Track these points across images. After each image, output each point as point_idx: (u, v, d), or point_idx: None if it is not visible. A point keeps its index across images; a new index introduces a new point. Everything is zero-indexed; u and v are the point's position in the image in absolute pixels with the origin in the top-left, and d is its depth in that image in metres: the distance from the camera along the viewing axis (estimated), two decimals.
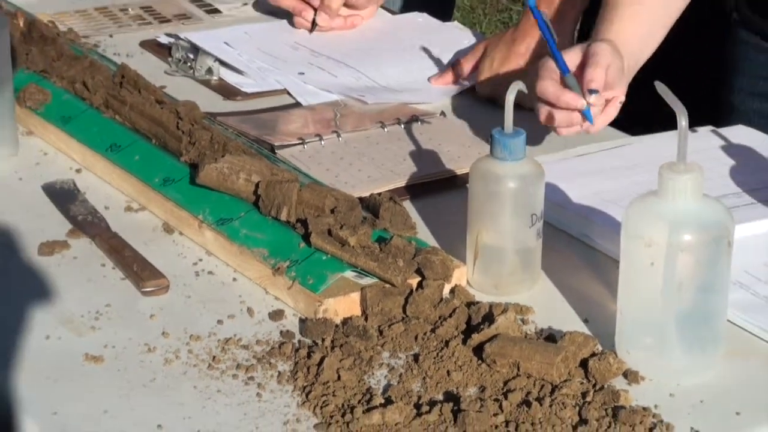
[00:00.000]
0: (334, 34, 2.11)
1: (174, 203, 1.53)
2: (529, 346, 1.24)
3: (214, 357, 1.28)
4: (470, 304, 1.33)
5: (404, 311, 1.32)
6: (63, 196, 1.58)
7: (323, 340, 1.28)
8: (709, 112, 1.83)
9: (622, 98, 1.61)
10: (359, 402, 1.19)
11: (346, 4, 2.12)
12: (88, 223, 1.52)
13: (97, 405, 1.21)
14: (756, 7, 1.82)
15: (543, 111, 1.57)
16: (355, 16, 2.14)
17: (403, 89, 1.91)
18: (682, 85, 1.75)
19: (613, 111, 1.59)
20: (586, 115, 1.53)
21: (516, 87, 1.39)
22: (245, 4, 2.22)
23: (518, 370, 1.23)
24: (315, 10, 2.09)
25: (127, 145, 1.64)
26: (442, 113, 1.82)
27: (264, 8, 2.17)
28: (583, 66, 1.55)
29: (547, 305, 1.38)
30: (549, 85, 1.54)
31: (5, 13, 1.70)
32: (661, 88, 1.29)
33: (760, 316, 1.33)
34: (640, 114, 1.64)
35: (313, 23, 2.10)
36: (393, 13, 2.27)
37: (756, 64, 1.81)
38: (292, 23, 2.13)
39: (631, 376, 1.24)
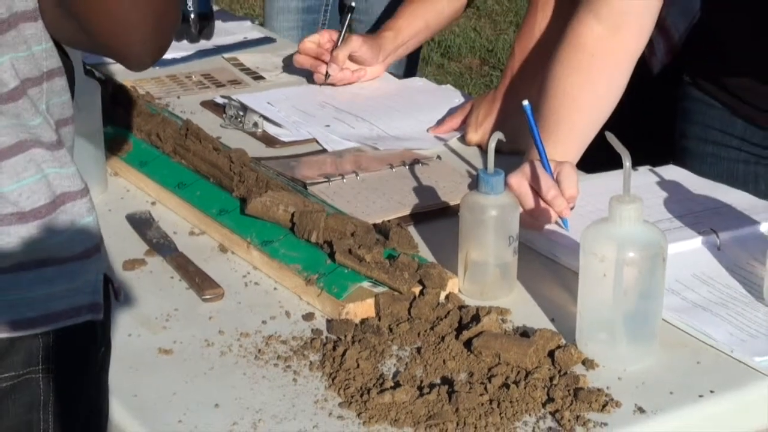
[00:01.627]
0: (353, 94, 2.10)
1: (228, 229, 1.53)
2: (507, 340, 1.25)
3: (259, 350, 1.29)
4: (461, 307, 1.34)
5: (409, 313, 1.33)
6: (141, 223, 1.59)
7: (345, 336, 1.29)
8: (670, 155, 1.82)
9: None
10: (374, 385, 1.20)
11: (353, 60, 2.11)
12: (160, 245, 1.53)
13: (168, 388, 1.22)
14: (701, 73, 1.82)
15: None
16: (361, 70, 2.14)
17: (408, 138, 1.90)
18: (646, 133, 1.76)
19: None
20: (564, 224, 1.53)
21: (496, 137, 1.40)
22: (282, 72, 2.22)
23: (499, 359, 1.24)
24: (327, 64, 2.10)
25: (191, 183, 1.65)
26: (438, 157, 1.82)
27: (296, 73, 2.17)
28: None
29: (522, 308, 1.38)
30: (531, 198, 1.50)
31: (97, 80, 1.71)
32: (610, 136, 1.29)
33: (687, 316, 1.34)
34: (594, 157, 1.64)
35: (326, 74, 2.09)
36: (398, 77, 2.27)
37: (706, 116, 1.79)
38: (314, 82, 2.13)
39: (588, 363, 1.25)
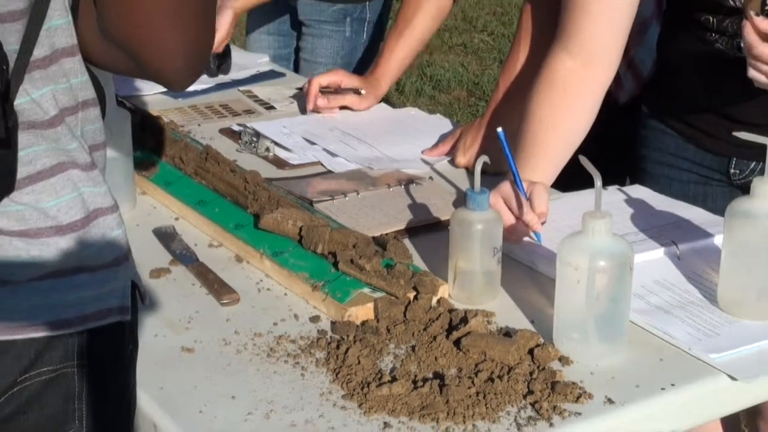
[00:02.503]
0: (356, 120, 2.09)
1: (243, 241, 1.53)
2: (492, 339, 1.26)
3: (271, 348, 1.29)
4: (451, 310, 1.34)
5: (405, 316, 1.33)
6: (166, 236, 1.59)
7: (348, 336, 1.29)
8: (631, 176, 1.82)
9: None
10: (373, 379, 1.20)
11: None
12: (183, 255, 1.53)
13: (190, 382, 1.22)
14: (659, 105, 1.82)
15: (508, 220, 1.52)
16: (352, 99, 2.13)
17: (403, 160, 1.90)
18: (611, 157, 1.76)
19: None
20: (537, 237, 1.52)
21: (482, 160, 1.40)
22: (291, 103, 2.21)
23: (485, 356, 1.24)
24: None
25: (210, 201, 1.65)
26: (430, 177, 1.82)
27: (303, 104, 2.16)
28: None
29: (505, 311, 1.38)
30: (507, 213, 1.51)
31: (128, 109, 1.72)
32: (583, 160, 1.30)
33: (651, 318, 1.34)
34: (569, 177, 1.64)
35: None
36: (394, 107, 2.27)
37: (662, 142, 1.78)
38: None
39: (563, 360, 1.26)
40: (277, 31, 2.89)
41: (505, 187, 1.53)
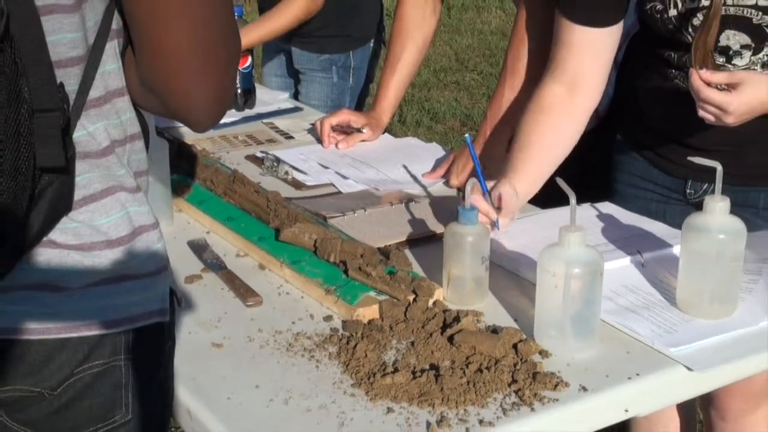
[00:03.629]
0: (364, 149, 2.09)
1: (265, 252, 1.53)
2: (481, 336, 1.26)
3: (289, 344, 1.29)
4: (445, 311, 1.34)
5: (405, 315, 1.33)
6: (199, 248, 1.60)
7: (356, 333, 1.29)
8: (605, 195, 1.81)
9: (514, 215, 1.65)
10: (378, 370, 1.20)
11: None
12: (213, 264, 1.53)
13: (219, 374, 1.23)
14: (628, 134, 1.82)
15: None
16: (359, 135, 2.12)
17: (405, 182, 1.90)
18: (588, 179, 1.74)
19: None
20: (495, 224, 1.55)
21: (472, 182, 1.42)
22: (307, 133, 2.21)
23: (475, 350, 1.24)
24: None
25: (237, 217, 1.65)
26: (427, 197, 1.82)
27: (317, 134, 2.16)
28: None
29: (492, 311, 1.38)
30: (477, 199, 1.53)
31: (167, 139, 1.72)
32: (559, 181, 1.31)
33: (619, 317, 1.34)
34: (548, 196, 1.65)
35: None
36: (396, 136, 2.28)
37: (632, 166, 1.78)
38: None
39: (543, 353, 1.26)
40: (282, 74, 2.93)
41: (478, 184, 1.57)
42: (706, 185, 1.68)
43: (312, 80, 2.81)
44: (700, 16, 1.55)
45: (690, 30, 1.57)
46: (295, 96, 2.88)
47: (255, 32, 2.61)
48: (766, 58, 1.54)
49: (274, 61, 2.96)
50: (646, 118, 1.75)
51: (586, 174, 1.85)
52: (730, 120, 1.47)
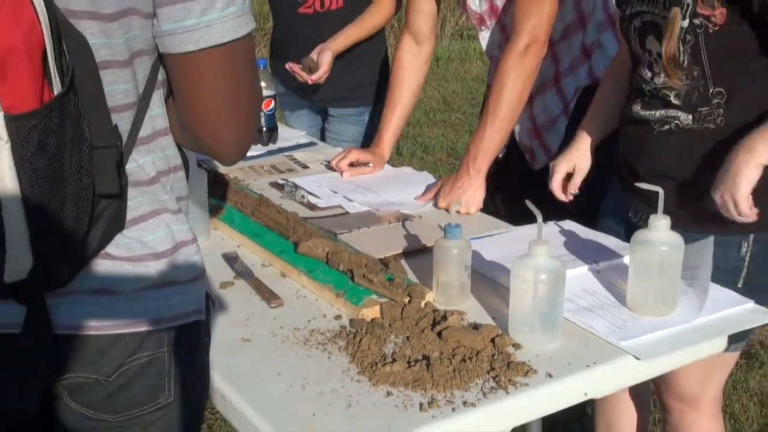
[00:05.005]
0: (366, 177, 2.08)
1: (286, 262, 1.53)
2: (464, 331, 1.25)
3: (306, 339, 1.29)
4: (435, 310, 1.34)
5: (401, 315, 1.32)
6: (231, 259, 1.59)
7: (361, 329, 1.29)
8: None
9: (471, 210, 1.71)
10: (379, 360, 1.20)
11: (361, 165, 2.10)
12: (243, 272, 1.52)
13: (247, 363, 1.22)
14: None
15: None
16: (365, 168, 2.10)
17: (400, 204, 1.89)
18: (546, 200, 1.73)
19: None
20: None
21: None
22: (321, 164, 2.21)
23: (459, 343, 1.23)
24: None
25: (263, 233, 1.65)
26: (420, 216, 1.81)
27: (329, 166, 2.17)
28: None
29: (474, 311, 1.38)
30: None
31: (205, 169, 1.72)
32: (528, 203, 1.30)
33: (579, 315, 1.34)
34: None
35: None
36: (393, 166, 2.27)
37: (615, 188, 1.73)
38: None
39: (516, 346, 1.25)
40: (307, 112, 2.85)
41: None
42: (640, 213, 1.61)
43: (345, 122, 2.69)
44: (637, 22, 1.46)
45: (642, 43, 1.48)
46: (322, 132, 2.76)
47: (350, 36, 2.45)
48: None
49: (299, 100, 2.80)
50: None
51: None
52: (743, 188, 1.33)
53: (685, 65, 1.40)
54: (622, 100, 1.60)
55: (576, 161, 1.68)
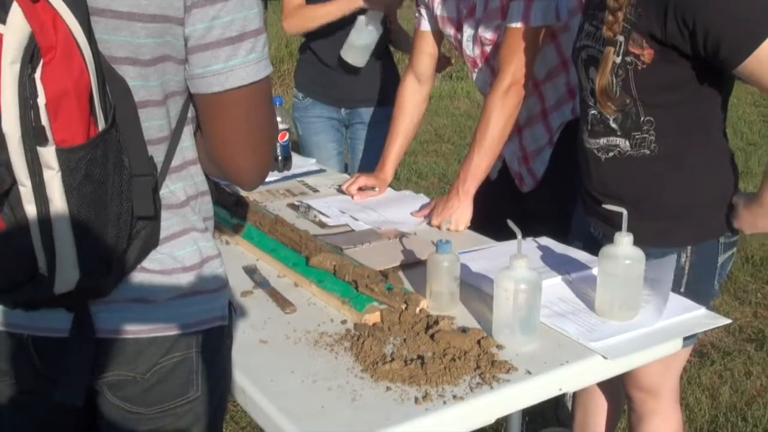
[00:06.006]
0: (370, 200, 2.07)
1: (298, 273, 1.52)
2: (454, 333, 1.25)
3: (316, 340, 1.28)
4: (428, 316, 1.33)
5: (399, 319, 1.32)
6: (251, 271, 1.58)
7: (364, 332, 1.28)
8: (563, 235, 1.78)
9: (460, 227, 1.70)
10: (380, 359, 1.20)
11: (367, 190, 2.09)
12: (261, 282, 1.52)
13: (264, 361, 1.22)
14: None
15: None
16: (372, 192, 2.09)
17: (398, 222, 1.89)
18: (537, 225, 1.73)
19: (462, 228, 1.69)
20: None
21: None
22: (329, 188, 2.20)
23: (449, 344, 1.23)
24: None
25: (278, 248, 1.64)
26: (415, 233, 1.80)
27: (336, 189, 2.16)
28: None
29: (462, 316, 1.37)
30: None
31: (228, 193, 1.72)
32: (510, 222, 1.31)
33: (554, 320, 1.33)
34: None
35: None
36: (394, 189, 2.27)
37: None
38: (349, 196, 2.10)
39: (499, 346, 1.25)
40: (327, 128, 2.76)
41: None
42: (600, 230, 1.62)
43: (373, 126, 2.62)
44: (584, 54, 1.48)
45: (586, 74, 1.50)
46: (348, 146, 2.65)
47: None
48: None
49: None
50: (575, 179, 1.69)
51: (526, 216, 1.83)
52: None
53: (617, 96, 1.43)
54: None
55: None
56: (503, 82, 1.78)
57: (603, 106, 1.44)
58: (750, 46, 1.27)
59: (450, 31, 1.99)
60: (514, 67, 1.77)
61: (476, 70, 2.01)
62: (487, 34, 1.89)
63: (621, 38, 1.38)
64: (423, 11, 2.05)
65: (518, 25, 1.76)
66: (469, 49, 1.97)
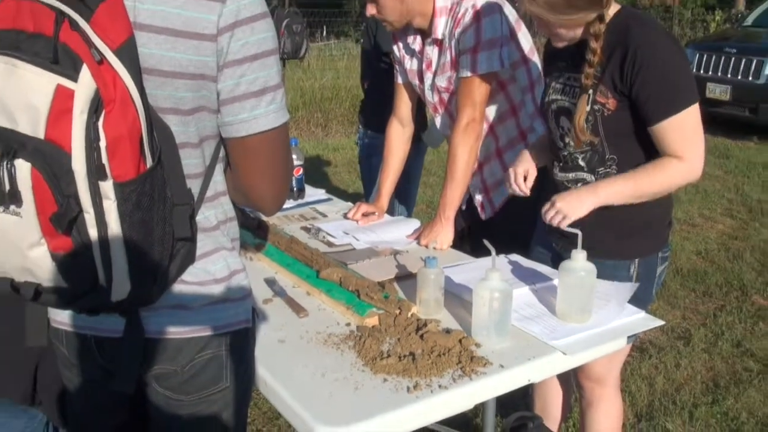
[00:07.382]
0: (370, 224, 2.05)
1: (311, 285, 1.52)
2: (439, 334, 1.25)
3: (325, 340, 1.28)
4: (418, 319, 1.33)
5: (394, 322, 1.32)
6: (270, 282, 1.58)
7: (365, 333, 1.28)
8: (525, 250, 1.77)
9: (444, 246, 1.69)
10: (378, 356, 1.19)
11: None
12: (279, 292, 1.51)
13: (283, 358, 1.21)
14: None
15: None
16: (373, 217, 2.09)
17: (394, 242, 1.88)
18: (509, 244, 1.72)
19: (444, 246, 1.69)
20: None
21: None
22: (336, 213, 2.20)
23: (436, 343, 1.23)
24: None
25: (293, 264, 1.64)
26: (407, 251, 1.80)
27: (341, 214, 2.15)
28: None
29: (446, 319, 1.37)
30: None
31: (252, 219, 1.72)
32: (486, 242, 1.30)
33: (522, 322, 1.33)
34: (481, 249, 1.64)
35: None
36: (392, 215, 2.28)
37: (537, 235, 1.75)
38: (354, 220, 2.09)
39: (477, 345, 1.24)
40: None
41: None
42: (560, 244, 1.63)
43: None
44: (554, 106, 1.51)
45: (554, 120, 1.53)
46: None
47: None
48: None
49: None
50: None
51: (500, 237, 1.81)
52: (559, 205, 1.43)
53: (588, 135, 1.45)
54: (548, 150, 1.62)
55: (528, 168, 1.65)
56: (462, 122, 1.82)
57: (577, 142, 1.46)
58: (668, 112, 1.32)
59: (415, 81, 2.01)
60: (470, 109, 1.81)
61: (438, 115, 2.03)
62: (443, 83, 1.92)
63: (590, 90, 1.41)
64: (398, 66, 2.09)
65: (468, 74, 1.80)
66: (430, 96, 2.00)
